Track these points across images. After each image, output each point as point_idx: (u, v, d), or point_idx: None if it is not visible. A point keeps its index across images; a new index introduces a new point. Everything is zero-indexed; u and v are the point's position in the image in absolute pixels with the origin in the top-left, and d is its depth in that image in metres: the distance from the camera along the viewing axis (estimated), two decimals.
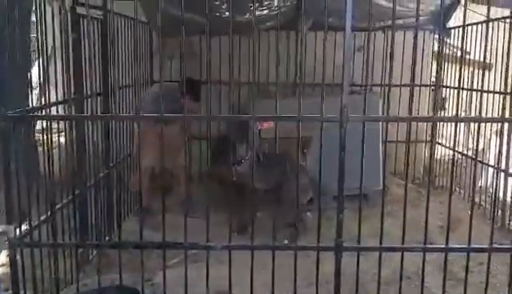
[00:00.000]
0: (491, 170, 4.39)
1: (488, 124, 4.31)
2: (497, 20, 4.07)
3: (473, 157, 3.57)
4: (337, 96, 2.21)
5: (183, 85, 3.48)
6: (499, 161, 2.78)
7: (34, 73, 2.97)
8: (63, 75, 2.60)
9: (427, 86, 5.19)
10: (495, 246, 2.29)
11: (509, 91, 3.49)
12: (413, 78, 2.35)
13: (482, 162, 4.39)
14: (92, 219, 3.13)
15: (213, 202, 3.51)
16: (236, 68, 4.71)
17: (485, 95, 4.19)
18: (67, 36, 2.67)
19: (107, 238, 3.41)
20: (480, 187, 4.54)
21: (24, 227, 2.36)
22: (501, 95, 3.76)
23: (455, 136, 2.37)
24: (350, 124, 2.18)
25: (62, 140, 3.20)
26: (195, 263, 2.99)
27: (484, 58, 2.37)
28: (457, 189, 4.79)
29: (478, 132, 2.23)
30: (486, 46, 2.31)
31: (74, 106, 2.77)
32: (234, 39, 2.20)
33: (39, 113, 2.47)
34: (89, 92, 2.86)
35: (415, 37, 2.30)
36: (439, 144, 5.13)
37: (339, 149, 2.22)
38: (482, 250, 2.30)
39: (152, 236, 3.51)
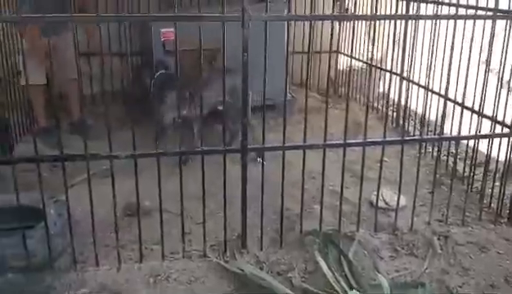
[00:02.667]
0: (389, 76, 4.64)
1: (385, 34, 4.50)
2: None
3: (370, 62, 3.79)
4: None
5: None
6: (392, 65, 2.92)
7: None
8: None
9: None
10: (388, 139, 2.46)
11: None
12: None
13: (378, 67, 4.60)
14: None
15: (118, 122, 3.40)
16: None
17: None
18: None
19: None
20: (379, 93, 4.80)
21: None
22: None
23: (352, 38, 2.43)
24: (257, 36, 2.16)
25: None
26: (105, 178, 2.91)
27: None
28: (358, 96, 5.04)
29: (374, 30, 2.30)
30: None
31: None
32: None
33: None
34: None
35: None
36: (341, 53, 5.27)
37: (242, 51, 2.20)
38: (376, 143, 2.48)
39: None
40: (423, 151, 3.59)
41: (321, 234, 2.51)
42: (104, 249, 2.46)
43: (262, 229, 2.51)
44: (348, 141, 2.40)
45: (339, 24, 5.03)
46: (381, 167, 2.52)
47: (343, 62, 5.36)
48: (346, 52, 5.27)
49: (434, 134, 3.52)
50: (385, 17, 3.02)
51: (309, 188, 2.89)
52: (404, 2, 3.48)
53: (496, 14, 2.70)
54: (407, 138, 2.56)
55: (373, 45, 2.55)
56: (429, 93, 3.39)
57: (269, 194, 2.58)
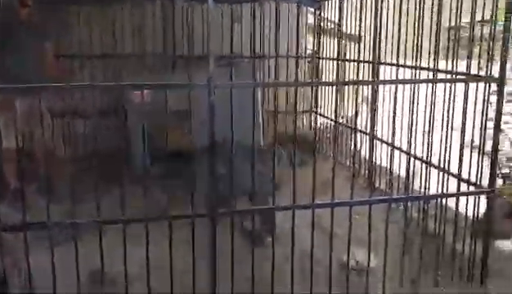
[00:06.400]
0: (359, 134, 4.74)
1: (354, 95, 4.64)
2: None
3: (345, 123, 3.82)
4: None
5: None
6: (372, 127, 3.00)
7: None
8: None
9: (303, 57, 5.41)
10: (355, 199, 2.49)
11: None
12: (297, 49, 2.46)
13: (358, 129, 4.69)
14: None
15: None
16: (110, 41, 4.48)
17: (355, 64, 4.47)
18: None
19: None
20: (351, 152, 4.88)
21: None
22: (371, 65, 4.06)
23: (336, 102, 2.53)
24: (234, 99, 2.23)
25: None
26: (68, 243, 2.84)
27: (360, 31, 2.52)
28: (330, 153, 5.12)
29: (357, 94, 2.39)
30: (361, 19, 2.46)
31: None
32: (108, 11, 2.11)
33: None
34: None
35: (298, 10, 2.41)
36: (316, 113, 5.41)
37: (209, 119, 2.24)
38: (344, 204, 2.50)
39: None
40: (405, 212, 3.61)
41: None
42: None
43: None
44: (316, 202, 2.42)
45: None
46: (350, 229, 2.52)
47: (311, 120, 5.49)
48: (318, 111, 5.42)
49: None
50: (367, 82, 3.11)
51: (279, 249, 2.85)
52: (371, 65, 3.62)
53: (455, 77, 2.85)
54: (374, 198, 2.60)
55: (356, 104, 2.64)
56: (396, 151, 3.46)
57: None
